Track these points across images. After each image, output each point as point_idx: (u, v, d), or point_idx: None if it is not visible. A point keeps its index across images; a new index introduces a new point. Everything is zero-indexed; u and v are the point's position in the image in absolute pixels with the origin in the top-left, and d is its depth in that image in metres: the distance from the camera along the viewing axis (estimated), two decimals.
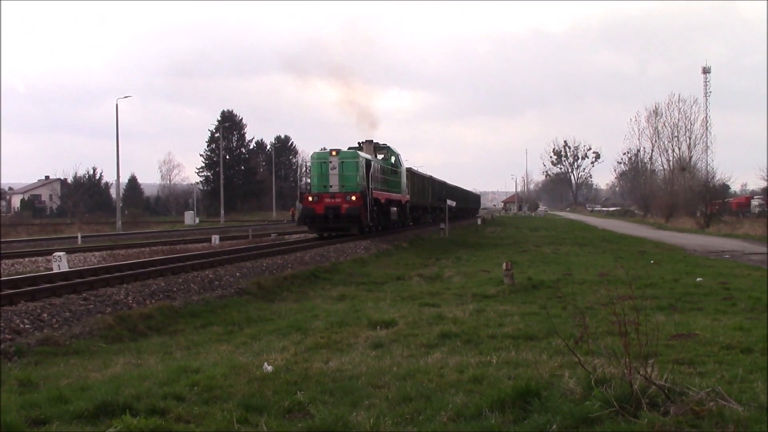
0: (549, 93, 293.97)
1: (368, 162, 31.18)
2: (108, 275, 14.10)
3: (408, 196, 40.60)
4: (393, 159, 38.00)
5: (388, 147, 37.59)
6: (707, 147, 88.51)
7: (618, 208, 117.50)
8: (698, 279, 17.11)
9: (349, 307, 12.98)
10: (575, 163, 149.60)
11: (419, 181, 47.90)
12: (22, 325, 10.03)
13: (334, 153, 29.52)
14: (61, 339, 9.84)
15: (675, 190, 74.70)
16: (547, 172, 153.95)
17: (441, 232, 40.13)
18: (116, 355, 8.97)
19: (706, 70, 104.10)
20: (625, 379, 5.86)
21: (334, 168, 29.33)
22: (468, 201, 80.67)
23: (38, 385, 7.11)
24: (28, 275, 14.71)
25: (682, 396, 5.73)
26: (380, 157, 36.28)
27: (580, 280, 17.16)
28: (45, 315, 10.66)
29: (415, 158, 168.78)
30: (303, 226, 31.66)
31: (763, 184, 72.01)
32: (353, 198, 28.84)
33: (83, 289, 12.52)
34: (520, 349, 8.63)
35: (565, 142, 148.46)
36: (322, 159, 29.85)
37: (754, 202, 77.27)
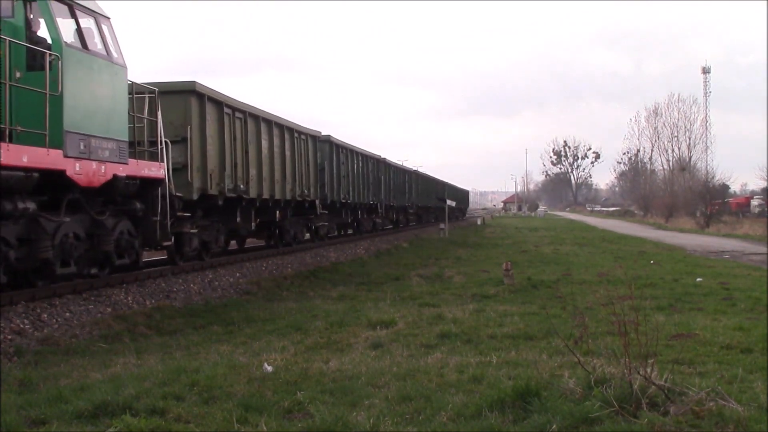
0: (548, 93, 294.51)
1: None
2: (108, 275, 14.07)
3: (161, 166, 13.25)
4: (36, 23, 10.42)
5: None
6: (707, 147, 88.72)
7: (618, 208, 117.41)
8: (698, 279, 17.11)
9: (349, 307, 12.98)
10: (575, 163, 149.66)
11: (303, 148, 22.96)
12: (22, 325, 10.02)
13: None
14: (61, 339, 9.83)
15: (675, 190, 74.71)
16: (546, 172, 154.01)
17: (441, 233, 40.13)
18: (116, 355, 8.96)
19: (705, 70, 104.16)
20: (625, 379, 5.87)
21: None
22: (445, 198, 60.95)
23: (38, 385, 7.10)
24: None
25: (682, 396, 5.74)
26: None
27: (580, 280, 17.17)
28: (45, 315, 10.64)
29: (414, 158, 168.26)
30: None
31: (763, 184, 72.11)
32: None
33: (83, 289, 12.50)
34: (520, 349, 8.63)
35: (564, 141, 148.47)
36: None
37: (754, 202, 77.28)
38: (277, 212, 21.18)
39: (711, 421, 5.34)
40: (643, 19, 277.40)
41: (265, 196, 19.51)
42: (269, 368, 7.46)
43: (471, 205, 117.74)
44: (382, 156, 36.66)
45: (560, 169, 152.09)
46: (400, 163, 46.91)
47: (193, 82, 15.65)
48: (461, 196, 77.31)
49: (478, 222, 65.01)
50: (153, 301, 12.90)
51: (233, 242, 21.68)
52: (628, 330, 6.13)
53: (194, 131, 15.36)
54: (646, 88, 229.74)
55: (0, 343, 9.12)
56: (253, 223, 19.81)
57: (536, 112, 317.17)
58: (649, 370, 5.88)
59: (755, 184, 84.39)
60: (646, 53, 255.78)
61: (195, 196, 15.18)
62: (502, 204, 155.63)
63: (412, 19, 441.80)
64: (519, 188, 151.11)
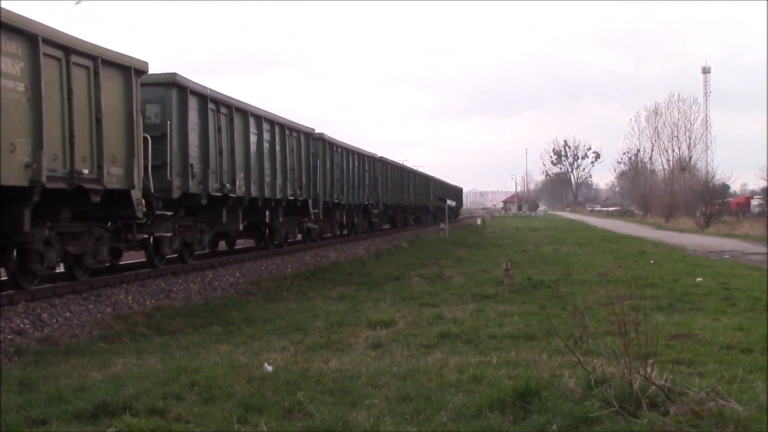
0: (548, 93, 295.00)
1: None
2: (108, 275, 14.09)
3: None
4: None
5: None
6: (707, 147, 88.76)
7: (618, 208, 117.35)
8: (698, 279, 17.11)
9: (349, 307, 12.98)
10: (575, 163, 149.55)
11: (84, 84, 10.85)
12: (22, 325, 10.02)
13: None
14: (61, 339, 9.84)
15: (675, 190, 74.70)
16: (547, 172, 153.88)
17: (441, 232, 40.15)
18: (116, 355, 8.97)
19: (706, 70, 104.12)
20: (625, 379, 5.87)
21: None
22: (430, 195, 53.60)
23: (38, 385, 7.10)
24: None
25: (682, 396, 5.74)
26: None
27: (580, 280, 17.17)
28: (45, 315, 10.65)
29: (414, 158, 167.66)
30: None
31: (762, 184, 72.00)
32: None
33: (83, 289, 12.51)
34: (520, 349, 8.64)
35: (564, 141, 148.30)
36: None
37: (754, 202, 77.26)
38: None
39: (711, 421, 5.34)
40: (643, 19, 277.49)
41: None
42: (269, 368, 7.46)
43: (469, 205, 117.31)
44: (318, 131, 24.77)
45: (560, 169, 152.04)
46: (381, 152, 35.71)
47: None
48: (453, 193, 67.59)
49: (478, 222, 65.03)
50: (153, 301, 12.90)
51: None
52: (628, 330, 6.14)
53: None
54: (648, 89, 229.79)
55: (0, 343, 9.13)
56: None
57: (536, 112, 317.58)
58: (649, 370, 5.88)
59: (755, 184, 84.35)
60: (646, 53, 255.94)
61: None
62: (502, 204, 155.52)
63: (412, 19, 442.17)
64: (519, 188, 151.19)
